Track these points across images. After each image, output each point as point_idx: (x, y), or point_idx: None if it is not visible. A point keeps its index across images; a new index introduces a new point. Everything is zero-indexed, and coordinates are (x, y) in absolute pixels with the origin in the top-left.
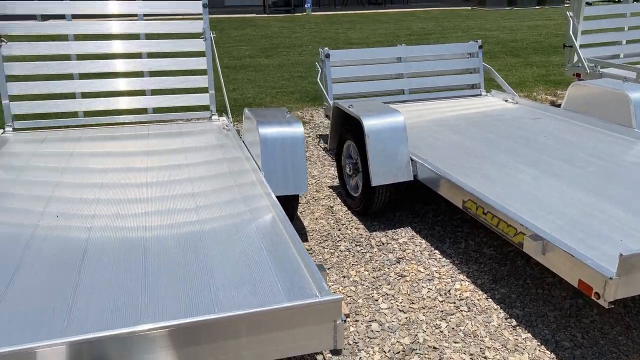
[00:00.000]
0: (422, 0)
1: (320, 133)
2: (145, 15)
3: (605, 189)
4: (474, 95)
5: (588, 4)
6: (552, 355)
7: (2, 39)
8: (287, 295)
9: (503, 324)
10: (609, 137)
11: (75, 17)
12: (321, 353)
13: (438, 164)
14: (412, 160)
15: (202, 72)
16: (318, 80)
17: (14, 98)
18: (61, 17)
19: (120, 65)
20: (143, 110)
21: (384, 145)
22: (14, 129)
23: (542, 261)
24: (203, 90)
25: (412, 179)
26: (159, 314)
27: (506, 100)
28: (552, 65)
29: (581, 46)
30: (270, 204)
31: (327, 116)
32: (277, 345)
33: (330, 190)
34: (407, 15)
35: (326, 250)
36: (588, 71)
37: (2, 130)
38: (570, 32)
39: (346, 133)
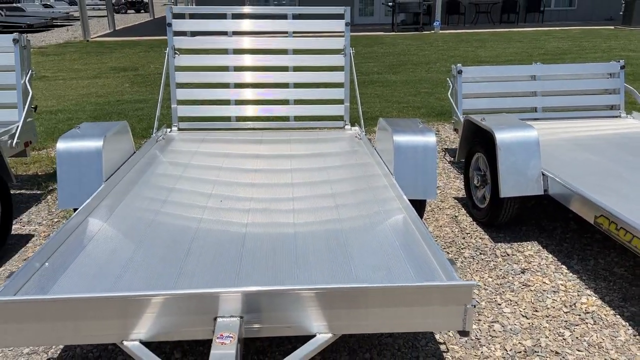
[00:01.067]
0: (561, 18)
1: (447, 147)
2: (294, 32)
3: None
4: (613, 117)
5: None
6: None
7: (176, 51)
8: (417, 279)
9: (631, 339)
10: None
11: (235, 33)
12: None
13: (570, 180)
14: (543, 174)
15: (339, 85)
16: (449, 95)
17: (180, 102)
18: (223, 33)
19: (269, 77)
20: (286, 118)
21: (515, 158)
22: (179, 129)
23: None
24: (339, 102)
25: (542, 193)
26: (309, 282)
27: None
28: None
29: None
30: (403, 206)
31: (455, 130)
32: (412, 319)
33: (455, 201)
34: (541, 34)
35: (450, 255)
36: None
37: (169, 129)
38: None
39: (476, 145)
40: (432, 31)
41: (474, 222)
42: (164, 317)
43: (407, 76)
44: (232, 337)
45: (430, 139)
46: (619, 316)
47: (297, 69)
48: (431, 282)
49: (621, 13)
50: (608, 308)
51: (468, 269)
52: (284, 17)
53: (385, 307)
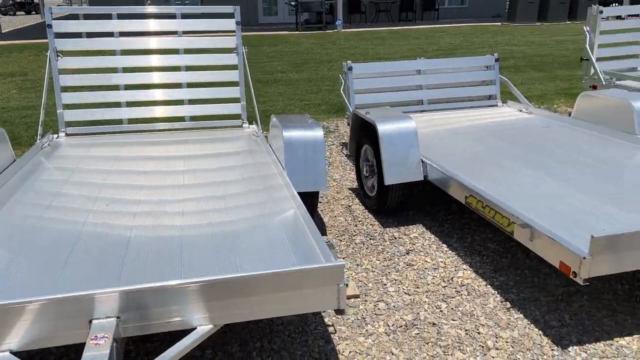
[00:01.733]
0: (454, 16)
1: (344, 141)
2: (184, 32)
3: (600, 188)
4: (491, 106)
5: (604, 18)
6: (540, 332)
7: (58, 53)
8: (299, 262)
9: (499, 306)
10: (613, 143)
11: (122, 34)
12: (332, 326)
13: (446, 165)
14: (422, 161)
15: (234, 84)
16: (342, 91)
17: (67, 107)
18: (110, 34)
19: (161, 77)
20: (181, 119)
21: (396, 148)
22: (67, 135)
23: (531, 247)
24: (235, 100)
25: (422, 178)
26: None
27: (521, 110)
28: (575, 78)
29: (598, 59)
30: (293, 202)
31: (349, 124)
32: (289, 303)
33: (350, 191)
34: (437, 31)
35: (343, 242)
36: (604, 83)
37: (56, 135)
38: (587, 46)
39: (363, 138)
40: (335, 30)
41: (366, 211)
42: (37, 324)
43: (310, 74)
44: (107, 337)
45: (318, 133)
46: (489, 286)
47: (189, 68)
48: (304, 266)
49: (506, 10)
50: (481, 279)
51: (358, 254)
52: (172, 16)
53: (265, 294)
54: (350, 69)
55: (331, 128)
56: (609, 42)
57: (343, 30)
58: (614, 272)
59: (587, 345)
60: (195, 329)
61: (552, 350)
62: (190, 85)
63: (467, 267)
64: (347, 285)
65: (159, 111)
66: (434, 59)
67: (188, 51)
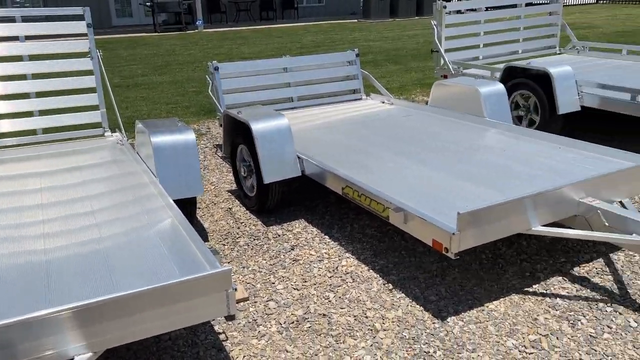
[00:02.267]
0: (313, 14)
1: (218, 143)
2: (27, 37)
3: (457, 168)
4: (356, 100)
5: (448, 13)
6: (421, 308)
7: None
8: (183, 274)
9: (382, 288)
10: (465, 126)
11: None
12: (224, 333)
13: (321, 159)
14: (298, 157)
15: (91, 90)
16: (209, 92)
17: None
18: None
19: (4, 88)
20: (32, 132)
21: (271, 145)
22: None
23: (405, 229)
24: (93, 107)
25: (300, 174)
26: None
27: (383, 102)
28: (428, 69)
29: (446, 51)
30: (169, 210)
31: (221, 125)
32: (176, 317)
33: (229, 194)
34: (298, 29)
35: (227, 246)
36: (452, 72)
37: None
38: (436, 39)
39: (238, 138)
40: (196, 30)
41: (248, 211)
42: None
43: (174, 76)
44: None
45: (189, 136)
46: (371, 270)
47: (36, 76)
48: (188, 276)
49: (361, 8)
50: (363, 265)
51: (244, 256)
52: (12, 20)
53: (148, 311)
54: (216, 69)
55: (203, 130)
56: (455, 35)
57: (204, 30)
58: (480, 243)
59: (462, 314)
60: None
61: (434, 323)
62: (40, 94)
63: (350, 255)
64: (235, 289)
65: (5, 125)
66: (299, 57)
67: (34, 57)
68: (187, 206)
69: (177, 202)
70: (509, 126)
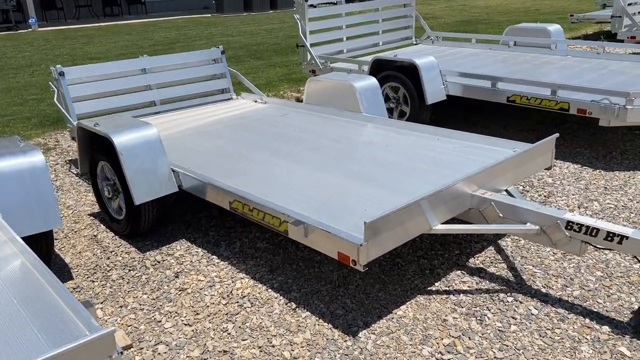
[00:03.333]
0: (162, 9)
1: (70, 158)
2: None
3: (346, 168)
4: (226, 100)
5: (312, 6)
6: (330, 326)
7: None
8: (50, 344)
9: (284, 309)
10: (344, 123)
11: None
12: None
13: (200, 170)
14: (173, 170)
15: None
16: (55, 100)
17: None
18: None
19: None
20: None
21: (141, 161)
22: None
23: (307, 243)
24: None
25: (177, 190)
26: None
27: (256, 101)
28: (292, 64)
29: (312, 45)
30: (17, 251)
31: (73, 138)
32: None
33: (92, 218)
34: (148, 25)
35: (97, 283)
36: (320, 67)
37: None
38: (300, 33)
39: (97, 154)
40: (30, 29)
41: (117, 237)
42: None
43: (8, 83)
44: None
45: (37, 158)
46: (270, 290)
47: None
48: (60, 348)
49: (214, 2)
50: (260, 285)
51: (119, 292)
52: None
53: None
54: (61, 74)
55: (50, 144)
56: (318, 29)
57: (40, 29)
58: (386, 251)
59: (373, 325)
60: None
61: (345, 341)
62: None
63: (244, 275)
64: (121, 353)
65: None
66: (159, 56)
67: None
68: (42, 242)
69: (27, 239)
70: (386, 120)
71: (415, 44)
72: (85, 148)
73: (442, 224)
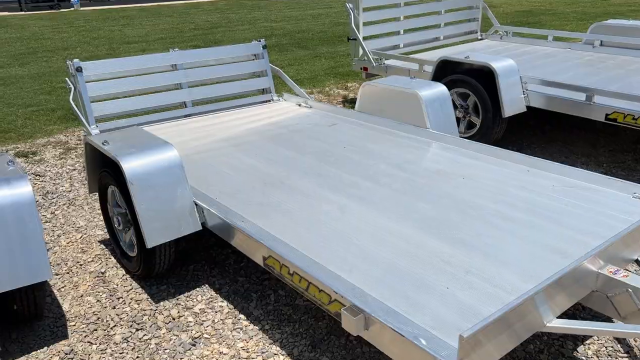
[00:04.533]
0: None
1: None
2: None
3: (415, 211)
4: (266, 102)
5: None
6: None
7: None
8: None
9: None
10: (406, 141)
11: None
12: None
13: (229, 202)
14: (196, 204)
15: None
16: (71, 100)
17: None
18: None
19: None
20: None
21: (156, 193)
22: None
23: (368, 338)
24: None
25: (200, 228)
26: None
27: (299, 105)
28: (338, 55)
29: (364, 38)
30: None
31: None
32: None
33: (102, 247)
34: (191, 7)
35: (95, 347)
36: (374, 65)
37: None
38: (353, 25)
39: (106, 177)
40: (72, 8)
41: (128, 276)
42: None
43: (39, 68)
44: None
45: (23, 189)
46: None
47: None
48: None
49: None
50: None
51: None
52: None
53: None
54: (79, 69)
55: (72, 143)
56: (374, 20)
57: (82, 8)
58: None
59: None
60: None
61: None
62: None
63: (278, 348)
64: None
65: None
66: (192, 50)
67: None
68: (28, 297)
69: (5, 294)
70: (459, 141)
71: (480, 39)
72: (93, 167)
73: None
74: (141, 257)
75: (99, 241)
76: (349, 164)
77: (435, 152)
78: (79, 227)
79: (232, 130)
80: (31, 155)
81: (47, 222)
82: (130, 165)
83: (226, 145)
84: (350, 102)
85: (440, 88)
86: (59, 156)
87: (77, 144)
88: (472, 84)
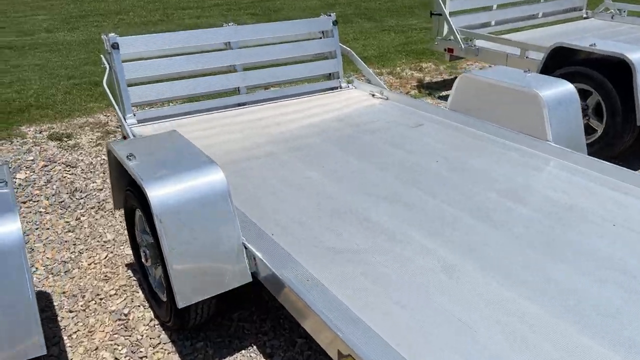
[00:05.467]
0: None
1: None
2: None
3: (555, 280)
4: (333, 89)
5: None
6: None
7: None
8: None
9: None
10: (519, 156)
11: None
12: None
13: (291, 248)
14: (246, 247)
15: None
16: (104, 84)
17: None
18: None
19: None
20: None
21: (192, 234)
22: None
23: None
24: None
25: (250, 280)
26: None
27: (373, 95)
28: (410, 30)
29: (450, 14)
30: None
31: (125, 137)
32: None
33: (130, 274)
34: None
35: None
36: (462, 46)
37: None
38: None
39: (131, 197)
40: None
41: (156, 322)
42: None
43: (88, 34)
44: None
45: (11, 227)
46: None
47: None
48: None
49: None
50: None
51: None
52: None
53: None
54: (115, 46)
55: (111, 126)
56: None
57: None
58: None
59: None
60: None
61: None
62: None
63: None
64: None
65: None
66: (248, 25)
67: None
68: None
69: None
70: (593, 162)
71: (586, 18)
72: (118, 180)
73: None
74: (172, 307)
75: (126, 264)
76: (445, 189)
77: (561, 176)
78: (105, 242)
79: (291, 127)
80: (65, 139)
81: (69, 231)
82: (158, 195)
83: (283, 148)
84: (426, 89)
85: (568, 87)
86: (95, 142)
87: (117, 128)
88: (596, 79)
